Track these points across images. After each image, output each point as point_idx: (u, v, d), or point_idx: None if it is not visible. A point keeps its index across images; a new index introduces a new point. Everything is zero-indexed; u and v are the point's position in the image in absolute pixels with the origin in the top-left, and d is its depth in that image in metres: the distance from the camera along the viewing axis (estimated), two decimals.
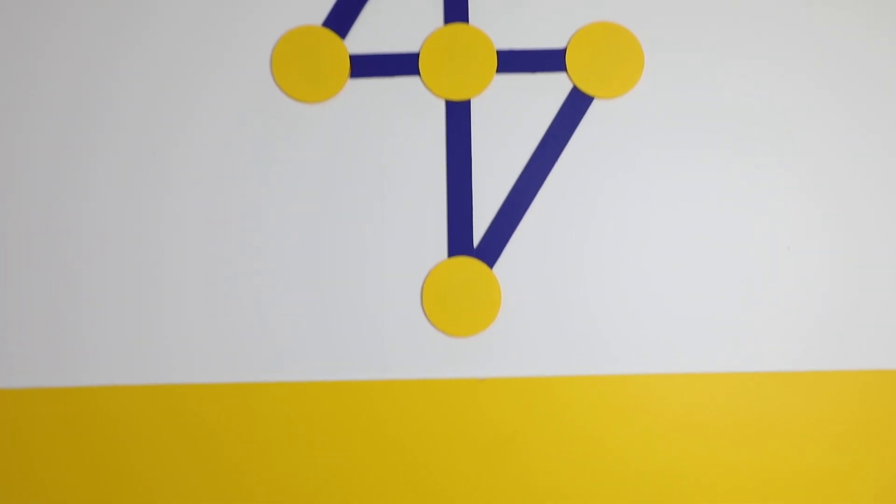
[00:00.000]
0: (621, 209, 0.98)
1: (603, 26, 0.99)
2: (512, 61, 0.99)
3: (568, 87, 0.99)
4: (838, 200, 0.97)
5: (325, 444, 0.96)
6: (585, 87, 0.98)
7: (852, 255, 0.97)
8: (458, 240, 0.98)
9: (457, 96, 0.99)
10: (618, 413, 0.96)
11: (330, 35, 1.00)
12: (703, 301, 0.96)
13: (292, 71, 1.00)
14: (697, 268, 0.97)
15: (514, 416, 0.96)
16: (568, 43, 0.99)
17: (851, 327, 0.96)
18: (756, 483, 0.95)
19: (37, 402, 0.97)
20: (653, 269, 0.97)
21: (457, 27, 1.00)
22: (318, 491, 0.96)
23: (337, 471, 0.96)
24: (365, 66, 1.00)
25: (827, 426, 0.95)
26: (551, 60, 0.99)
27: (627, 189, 0.98)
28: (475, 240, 0.98)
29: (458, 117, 0.99)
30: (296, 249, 0.98)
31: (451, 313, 0.97)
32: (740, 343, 0.96)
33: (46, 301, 0.98)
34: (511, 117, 0.99)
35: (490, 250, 0.98)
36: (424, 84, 0.99)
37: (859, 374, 0.95)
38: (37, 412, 0.97)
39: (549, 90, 0.99)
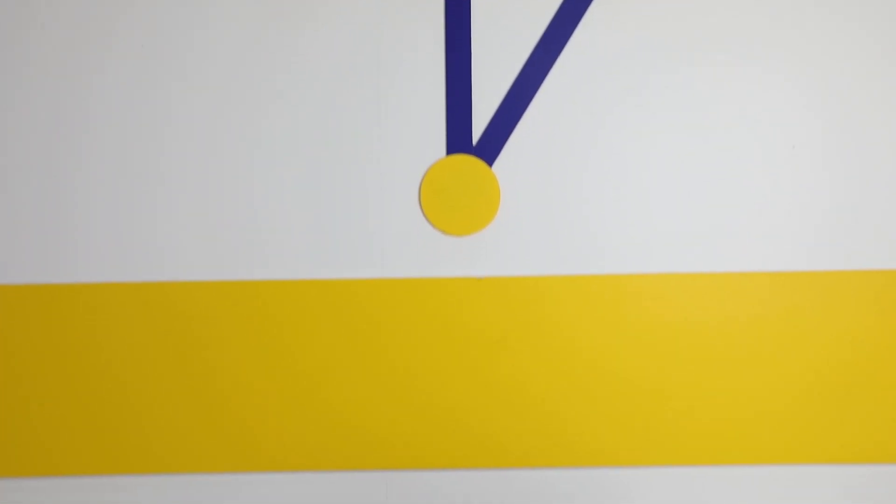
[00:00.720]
0: (624, 107, 0.96)
1: None
2: None
3: None
4: (842, 102, 0.95)
5: (319, 342, 0.96)
6: None
7: (856, 156, 0.95)
8: (457, 137, 0.96)
9: None
10: (618, 312, 0.95)
11: None
12: (705, 201, 0.95)
13: None
14: (701, 167, 0.95)
15: (511, 315, 0.95)
16: None
17: (855, 228, 0.95)
18: (754, 379, 0.95)
19: (27, 298, 0.96)
20: (655, 167, 0.96)
21: None
22: (310, 389, 0.96)
23: (330, 369, 0.96)
24: None
25: (828, 325, 0.95)
26: None
27: (631, 86, 0.96)
28: (474, 137, 0.96)
29: (457, 9, 0.96)
30: (291, 147, 0.96)
31: (449, 212, 0.95)
32: (742, 243, 0.95)
33: (40, 199, 0.96)
34: (513, 9, 0.96)
35: (489, 148, 0.96)
36: None
37: (862, 275, 0.95)
38: (26, 308, 0.96)
39: None
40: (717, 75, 0.95)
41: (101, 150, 0.96)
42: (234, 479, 0.96)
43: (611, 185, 0.95)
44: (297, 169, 0.96)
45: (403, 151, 0.96)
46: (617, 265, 0.95)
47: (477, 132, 0.96)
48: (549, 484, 0.96)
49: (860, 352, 0.95)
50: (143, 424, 0.96)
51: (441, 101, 0.96)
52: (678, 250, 0.95)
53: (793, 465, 0.96)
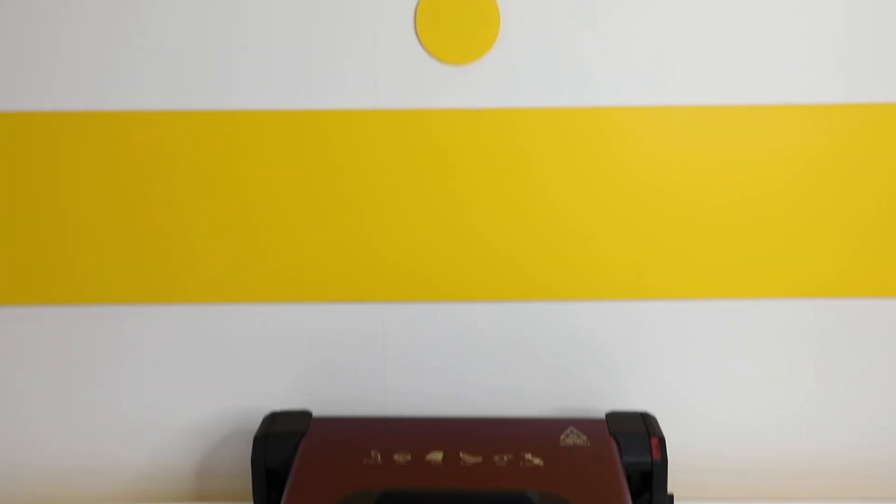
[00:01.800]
0: None
1: None
2: None
3: None
4: None
5: (309, 175, 0.93)
6: None
7: None
8: None
9: None
10: (624, 146, 0.93)
11: None
12: (720, 28, 0.91)
13: None
14: None
15: (510, 148, 0.93)
16: None
17: (862, 60, 0.91)
18: (765, 216, 0.94)
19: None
20: None
21: None
22: (303, 222, 0.95)
23: (322, 202, 0.94)
24: None
25: (840, 160, 0.93)
26: None
27: None
28: None
29: None
30: None
31: (446, 38, 0.91)
32: (755, 75, 0.91)
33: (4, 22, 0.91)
34: None
35: None
36: None
37: (866, 108, 0.92)
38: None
39: None
40: None
41: None
42: (227, 310, 0.97)
43: (621, 9, 0.90)
44: None
45: None
46: (624, 97, 0.92)
47: None
48: (543, 316, 0.97)
49: (872, 187, 0.93)
50: (112, 255, 0.95)
51: None
52: (689, 82, 0.92)
53: (800, 300, 0.96)
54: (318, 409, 0.94)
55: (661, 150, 0.93)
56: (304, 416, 0.90)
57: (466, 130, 0.92)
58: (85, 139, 0.93)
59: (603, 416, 0.91)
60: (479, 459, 0.82)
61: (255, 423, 0.90)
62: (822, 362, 0.98)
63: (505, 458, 0.82)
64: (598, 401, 0.99)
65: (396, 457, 0.82)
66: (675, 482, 0.87)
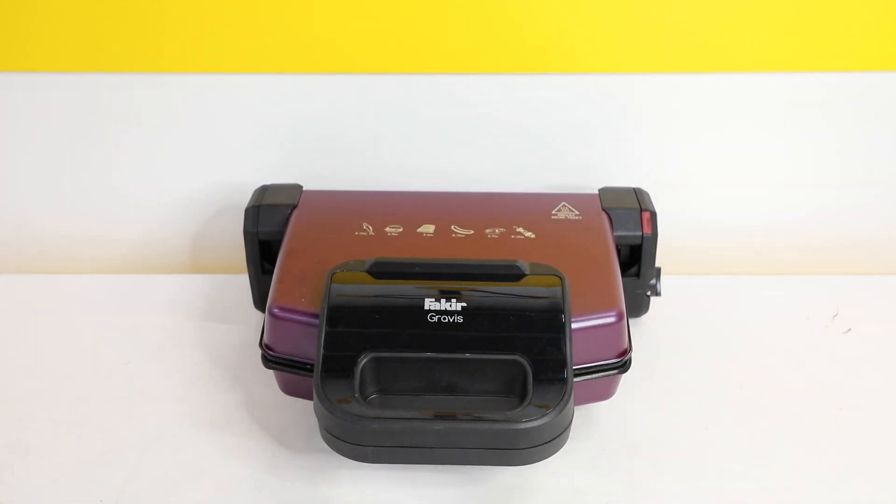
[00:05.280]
0: None
1: None
2: None
3: None
4: None
5: None
6: None
7: None
8: None
9: None
10: None
11: None
12: None
13: None
14: None
15: None
16: None
17: None
18: None
19: None
20: None
21: None
22: None
23: None
24: None
25: None
26: None
27: None
28: None
29: None
30: None
31: None
32: None
33: None
34: None
35: None
36: None
37: None
38: None
39: None
40: None
41: None
42: (215, 80, 0.94)
43: None
44: None
45: None
46: None
47: None
48: (538, 91, 0.95)
49: None
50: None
51: None
52: None
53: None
54: (309, 185, 0.93)
55: None
56: (295, 189, 0.90)
57: None
58: None
59: (596, 192, 0.91)
60: (470, 232, 0.82)
61: (247, 197, 0.90)
62: (817, 138, 0.97)
63: (496, 231, 0.82)
64: (593, 178, 0.98)
65: (388, 229, 0.83)
66: (663, 257, 0.87)
